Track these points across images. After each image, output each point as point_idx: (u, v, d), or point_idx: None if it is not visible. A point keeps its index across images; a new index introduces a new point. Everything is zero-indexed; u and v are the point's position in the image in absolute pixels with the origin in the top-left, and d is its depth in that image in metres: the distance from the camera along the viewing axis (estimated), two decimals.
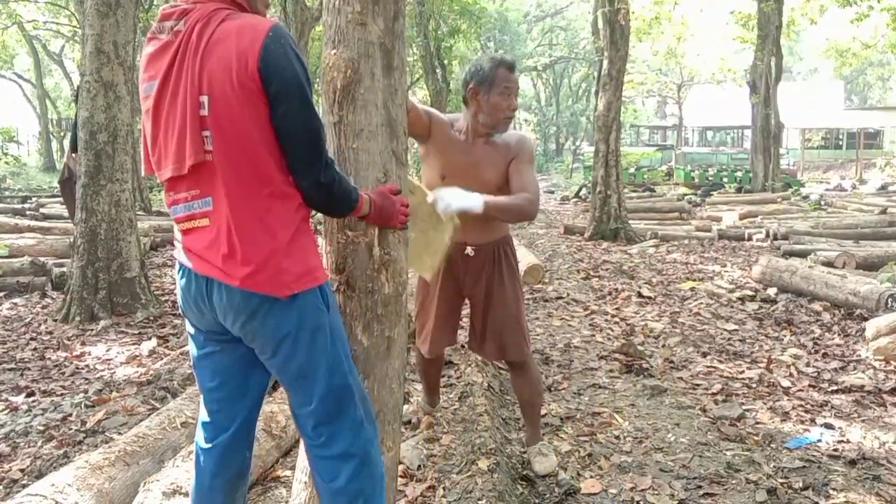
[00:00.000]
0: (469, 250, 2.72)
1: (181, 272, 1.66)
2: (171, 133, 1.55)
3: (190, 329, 1.75)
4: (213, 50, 1.50)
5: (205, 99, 1.49)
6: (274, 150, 1.55)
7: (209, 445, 1.75)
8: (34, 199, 14.16)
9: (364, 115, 1.80)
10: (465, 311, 2.99)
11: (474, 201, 2.39)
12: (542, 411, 3.06)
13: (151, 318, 5.45)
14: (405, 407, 3.19)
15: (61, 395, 3.79)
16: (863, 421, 3.48)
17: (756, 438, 3.20)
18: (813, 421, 3.47)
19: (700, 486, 2.72)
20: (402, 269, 1.91)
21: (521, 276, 2.90)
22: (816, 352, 4.67)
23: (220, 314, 1.60)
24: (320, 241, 1.84)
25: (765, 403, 3.68)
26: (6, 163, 24.31)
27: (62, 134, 26.92)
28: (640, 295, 6.42)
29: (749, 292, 6.43)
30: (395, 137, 1.87)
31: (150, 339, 4.87)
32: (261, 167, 1.54)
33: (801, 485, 2.74)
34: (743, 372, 4.21)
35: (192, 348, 1.77)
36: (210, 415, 1.75)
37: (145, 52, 1.61)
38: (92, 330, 5.11)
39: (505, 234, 2.81)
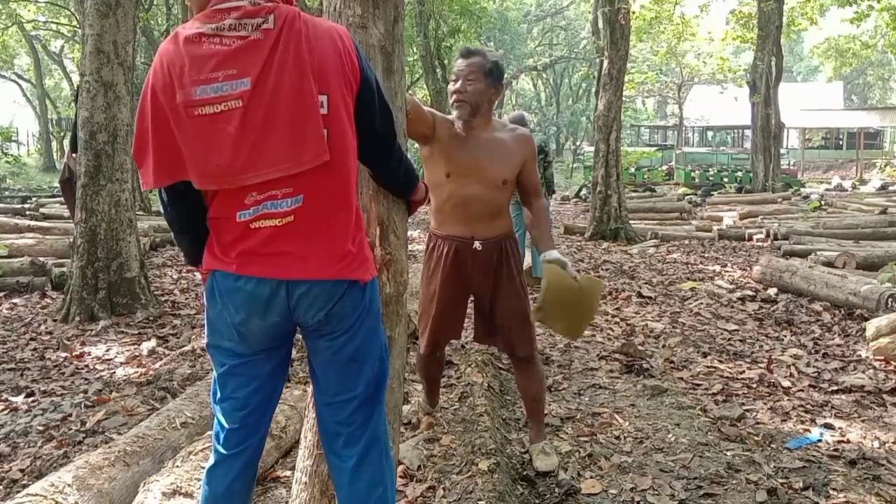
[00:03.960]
0: (477, 245, 2.75)
1: (240, 283, 1.58)
2: (275, 133, 1.50)
3: (227, 343, 1.67)
4: (321, 50, 1.54)
5: (324, 98, 1.53)
6: (356, 148, 1.64)
7: (236, 451, 1.71)
8: (34, 199, 14.17)
9: None
10: (468, 310, 2.99)
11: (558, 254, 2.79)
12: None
13: (151, 318, 5.44)
14: (405, 407, 3.19)
15: (61, 395, 3.79)
16: (863, 421, 3.48)
17: (756, 439, 3.20)
18: (813, 421, 3.47)
19: (700, 487, 2.72)
20: (403, 269, 1.91)
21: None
22: (817, 352, 4.67)
23: (302, 310, 1.60)
24: None
25: (765, 403, 3.68)
26: (6, 163, 24.34)
27: (62, 134, 26.93)
28: (640, 295, 6.42)
29: (749, 292, 6.43)
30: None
31: (149, 339, 4.87)
32: (354, 163, 1.64)
33: (801, 485, 2.74)
34: (743, 372, 4.21)
35: (226, 359, 1.68)
36: (240, 420, 1.70)
37: (200, 52, 1.49)
38: (92, 330, 5.11)
39: (509, 231, 2.84)
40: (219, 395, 1.72)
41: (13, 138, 28.75)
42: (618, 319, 5.51)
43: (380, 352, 1.73)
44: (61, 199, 9.62)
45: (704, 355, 4.55)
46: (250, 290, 1.58)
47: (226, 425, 1.71)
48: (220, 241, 1.60)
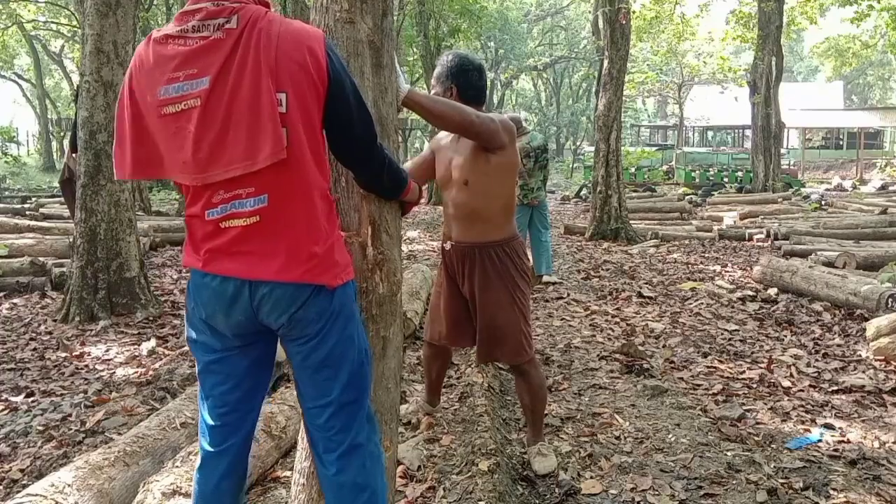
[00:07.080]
0: (447, 245, 2.84)
1: (207, 279, 1.61)
2: (233, 131, 1.51)
3: (201, 337, 1.71)
4: (283, 49, 1.52)
5: (282, 96, 1.51)
6: (321, 150, 1.62)
7: (221, 448, 1.73)
8: (34, 199, 14.17)
9: None
10: None
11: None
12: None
13: (151, 318, 5.44)
14: (404, 407, 3.19)
15: (61, 395, 3.79)
16: (863, 421, 3.48)
17: (756, 439, 3.19)
18: (813, 421, 3.46)
19: (701, 487, 2.72)
20: (396, 268, 1.91)
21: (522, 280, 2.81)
22: (817, 352, 4.67)
23: (265, 311, 1.60)
24: None
25: (765, 404, 3.68)
26: (6, 163, 24.35)
27: (62, 134, 26.92)
28: (640, 295, 6.41)
29: (750, 292, 6.42)
30: (386, 135, 1.87)
31: (149, 339, 4.87)
32: (318, 164, 1.60)
33: (801, 485, 2.74)
34: (744, 372, 4.20)
35: (202, 355, 1.72)
36: (220, 418, 1.72)
37: (165, 52, 1.53)
38: (91, 330, 5.11)
39: (498, 238, 2.73)
40: (201, 392, 1.75)
41: (13, 138, 28.76)
42: (618, 319, 5.50)
43: (358, 356, 1.69)
44: (61, 199, 9.62)
45: (705, 355, 4.54)
46: (215, 287, 1.61)
47: (208, 422, 1.73)
48: (193, 238, 1.64)
